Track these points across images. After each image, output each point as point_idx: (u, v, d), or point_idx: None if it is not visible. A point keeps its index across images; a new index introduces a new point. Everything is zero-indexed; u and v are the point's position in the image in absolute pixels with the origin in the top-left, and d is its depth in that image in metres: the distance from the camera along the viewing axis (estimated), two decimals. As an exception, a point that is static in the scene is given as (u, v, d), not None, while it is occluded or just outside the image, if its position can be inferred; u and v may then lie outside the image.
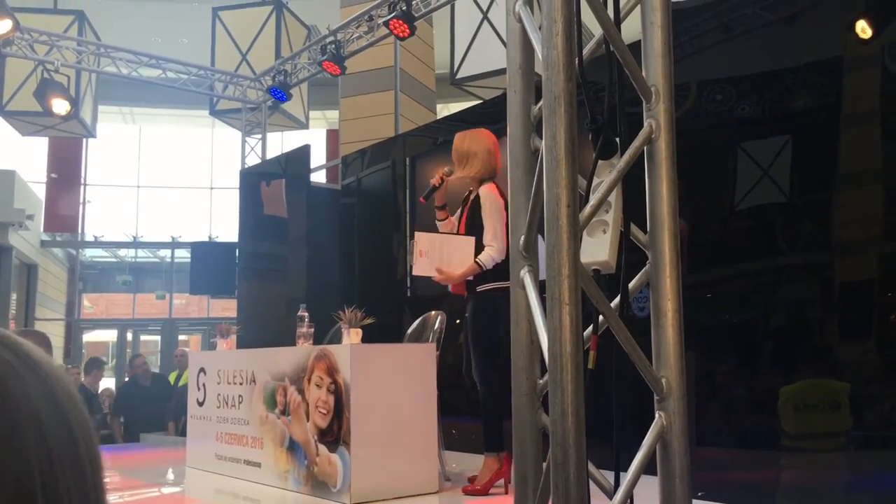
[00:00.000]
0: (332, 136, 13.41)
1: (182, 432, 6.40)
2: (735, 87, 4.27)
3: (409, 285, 6.70)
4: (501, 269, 3.65)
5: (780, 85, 4.04)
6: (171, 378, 8.72)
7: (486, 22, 7.41)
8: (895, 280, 3.52)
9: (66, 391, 0.47)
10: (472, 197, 3.82)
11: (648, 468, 1.59)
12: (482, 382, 3.70)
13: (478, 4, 7.56)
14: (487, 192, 3.73)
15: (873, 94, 3.69)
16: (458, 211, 3.96)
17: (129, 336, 16.14)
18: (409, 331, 4.91)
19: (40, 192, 14.92)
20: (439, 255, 3.70)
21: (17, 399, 0.43)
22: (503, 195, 3.68)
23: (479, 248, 3.69)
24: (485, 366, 3.71)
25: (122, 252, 16.93)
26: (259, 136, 8.99)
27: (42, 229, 14.48)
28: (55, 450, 0.43)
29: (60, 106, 7.57)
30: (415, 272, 3.83)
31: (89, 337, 16.78)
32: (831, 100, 3.82)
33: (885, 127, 3.59)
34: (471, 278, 3.73)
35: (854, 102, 3.75)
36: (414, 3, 6.55)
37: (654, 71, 1.60)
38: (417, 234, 3.82)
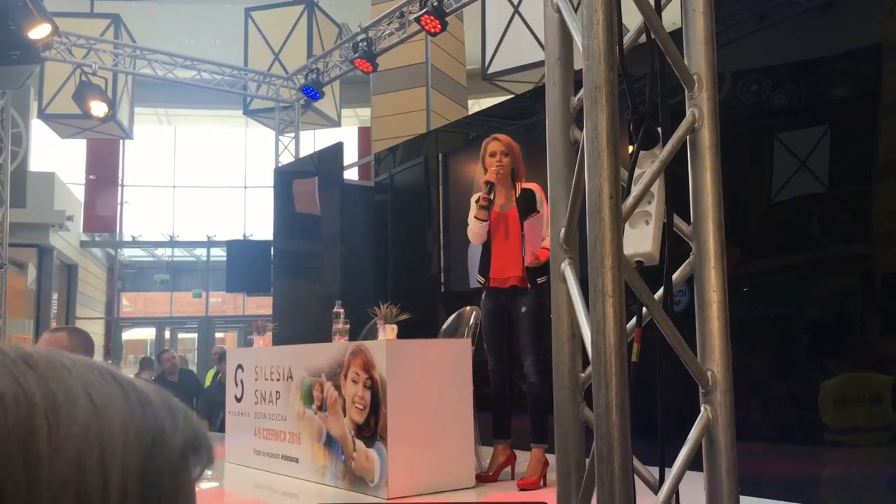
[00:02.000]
0: (365, 134, 13.46)
1: (220, 428, 6.48)
2: (771, 76, 4.20)
3: (442, 281, 6.70)
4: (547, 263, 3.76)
5: (817, 74, 3.97)
6: (209, 375, 8.84)
7: (517, 16, 7.37)
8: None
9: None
10: (517, 194, 3.92)
11: (692, 463, 1.57)
12: (541, 375, 3.72)
13: (509, -1, 7.52)
14: (539, 189, 3.88)
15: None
16: (487, 206, 3.91)
17: (167, 334, 16.40)
18: (444, 326, 4.92)
19: (79, 193, 15.21)
20: (530, 240, 3.79)
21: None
22: None
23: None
24: (544, 356, 3.72)
25: (160, 251, 17.20)
26: (292, 134, 9.06)
27: (82, 230, 14.77)
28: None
29: (99, 108, 7.70)
30: (528, 262, 3.81)
31: (128, 335, 17.09)
32: (870, 89, 3.74)
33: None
34: (532, 270, 3.80)
35: (893, 91, 3.66)
36: (445, -2, 6.54)
37: (697, 58, 1.57)
38: (525, 223, 3.86)
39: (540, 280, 3.77)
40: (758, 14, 4.29)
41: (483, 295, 4.00)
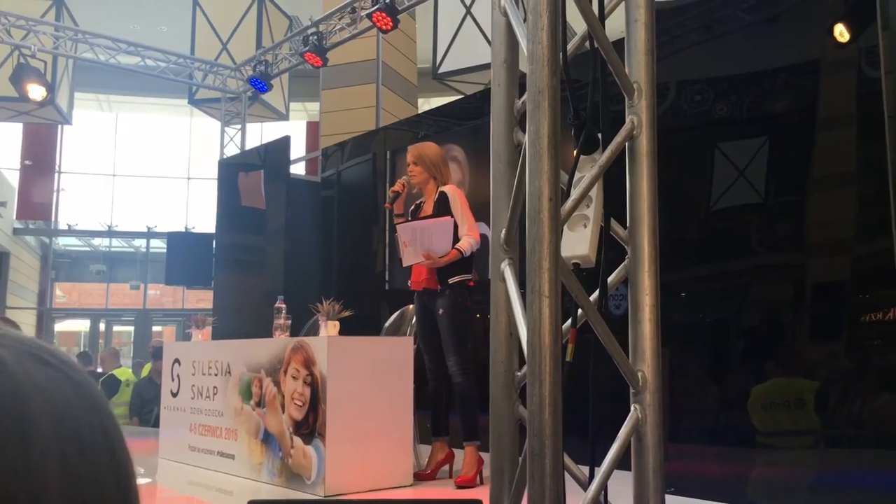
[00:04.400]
0: (313, 128, 13.35)
1: (154, 424, 6.35)
2: (714, 87, 4.31)
3: (387, 279, 6.69)
4: (467, 262, 3.90)
5: (759, 87, 4.09)
6: (145, 370, 8.63)
7: (469, 17, 7.41)
8: (866, 282, 3.58)
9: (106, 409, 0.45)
10: (435, 197, 4.00)
11: (622, 463, 1.61)
12: (466, 374, 3.79)
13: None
14: (453, 190, 4.00)
15: (850, 98, 3.75)
16: (411, 212, 4.10)
17: (102, 326, 15.96)
18: (387, 324, 4.91)
19: (13, 178, 14.69)
20: (421, 241, 3.83)
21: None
22: None
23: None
24: (465, 355, 3.83)
25: (97, 241, 16.72)
26: (238, 126, 8.92)
27: (15, 217, 14.27)
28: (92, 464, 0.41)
29: (36, 91, 7.46)
30: (404, 263, 3.93)
31: (61, 326, 16.57)
32: (808, 103, 3.87)
33: (860, 130, 3.64)
34: (442, 271, 3.87)
35: (831, 105, 3.79)
36: (397, -4, 6.53)
37: (637, 68, 1.61)
38: (399, 227, 3.94)
39: (453, 280, 3.86)
40: (703, 26, 4.41)
41: (415, 295, 4.12)
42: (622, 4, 1.63)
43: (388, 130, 7.30)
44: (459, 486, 3.69)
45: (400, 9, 6.50)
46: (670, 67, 4.32)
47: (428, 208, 4.04)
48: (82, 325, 16.57)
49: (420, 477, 3.91)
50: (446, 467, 4.03)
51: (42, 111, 9.97)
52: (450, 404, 4.05)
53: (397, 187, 4.01)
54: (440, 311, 3.88)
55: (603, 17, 1.58)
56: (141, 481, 4.83)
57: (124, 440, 0.46)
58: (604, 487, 1.52)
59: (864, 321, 3.52)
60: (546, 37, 1.39)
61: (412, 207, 4.15)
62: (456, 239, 3.84)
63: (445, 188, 4.01)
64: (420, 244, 3.85)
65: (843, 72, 3.76)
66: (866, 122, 3.54)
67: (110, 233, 16.08)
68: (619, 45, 1.65)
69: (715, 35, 4.37)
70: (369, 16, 6.48)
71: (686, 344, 4.18)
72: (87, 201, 16.00)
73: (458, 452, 4.01)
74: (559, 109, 1.40)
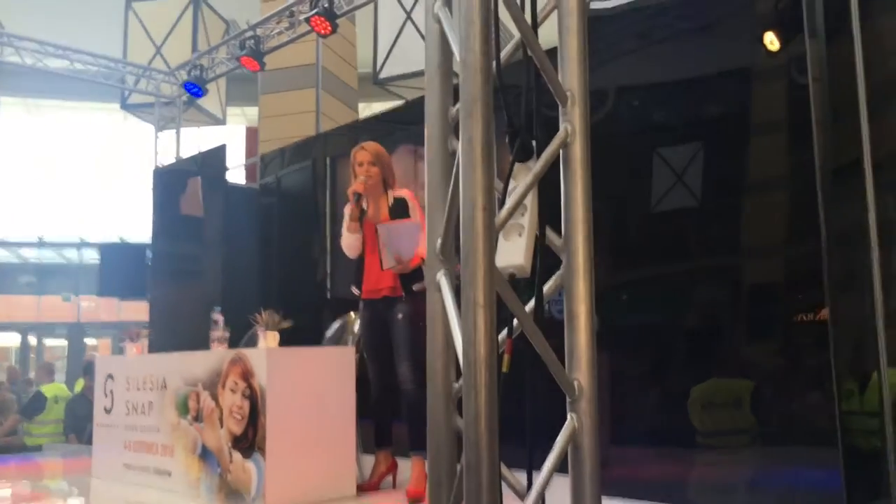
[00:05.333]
0: (252, 134, 13.13)
1: (87, 441, 6.14)
2: (651, 93, 4.38)
3: (328, 287, 6.61)
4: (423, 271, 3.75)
5: (694, 93, 4.17)
6: (78, 385, 8.35)
7: (409, 22, 7.39)
8: (799, 283, 3.67)
9: None
10: (389, 202, 3.86)
11: (561, 467, 1.60)
12: (417, 382, 3.64)
13: (401, 4, 7.54)
14: (412, 196, 3.88)
15: (781, 104, 3.85)
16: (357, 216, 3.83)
17: (33, 340, 15.38)
18: (329, 334, 4.85)
19: (-65, 187, 14.08)
20: (395, 244, 3.65)
21: None
22: None
23: None
24: (418, 364, 3.66)
25: (26, 252, 16.11)
26: (173, 130, 8.71)
27: (-63, 227, 13.67)
28: None
29: (-43, 96, 7.15)
30: (385, 266, 3.69)
31: (-11, 341, 15.94)
32: (742, 108, 3.96)
33: (790, 136, 3.74)
34: (406, 278, 3.74)
35: (763, 111, 3.89)
36: (336, 0, 6.47)
37: (570, 76, 1.61)
38: (379, 226, 3.71)
39: (416, 287, 3.72)
40: (639, 33, 4.47)
41: (360, 305, 3.96)
42: (555, 13, 1.63)
43: (329, 136, 7.22)
44: (412, 500, 3.57)
45: (339, 13, 6.45)
46: (609, 73, 4.37)
47: (380, 213, 3.85)
48: (13, 340, 15.94)
49: (364, 488, 3.83)
50: (390, 478, 3.98)
51: (-36, 117, 9.57)
52: (394, 414, 3.93)
53: (359, 187, 3.77)
54: (399, 316, 3.73)
55: (536, 25, 1.57)
56: (74, 502, 4.66)
57: None
58: (542, 497, 1.51)
59: (797, 321, 3.61)
60: (478, 44, 1.38)
61: (347, 211, 3.90)
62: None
63: (402, 193, 3.88)
64: (392, 247, 3.66)
65: (774, 79, 3.86)
66: (796, 127, 3.64)
67: (40, 244, 15.52)
68: (551, 54, 1.65)
69: (651, 42, 4.44)
70: (307, 20, 6.40)
71: (626, 346, 4.23)
72: (16, 211, 15.41)
73: (401, 462, 3.97)
74: (492, 118, 1.39)
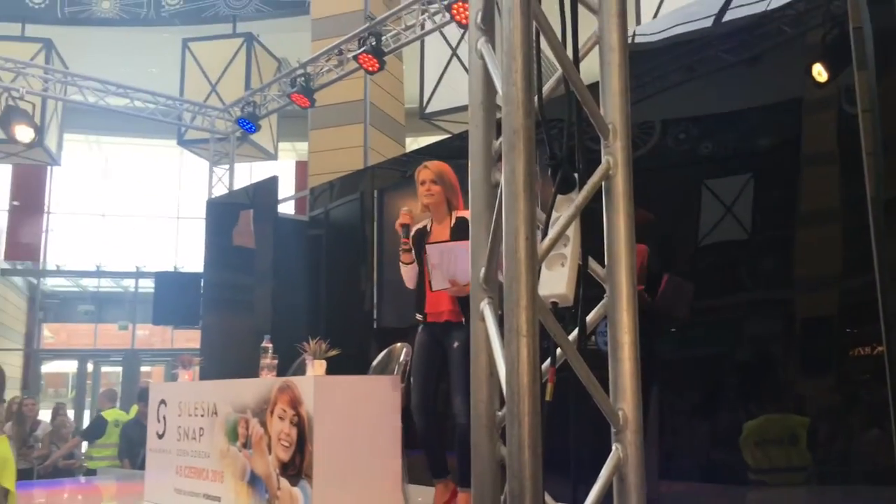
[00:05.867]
0: (301, 168, 13.42)
1: (141, 466, 6.26)
2: (698, 126, 4.37)
3: (375, 317, 6.67)
4: None
5: (742, 125, 4.14)
6: (132, 411, 8.54)
7: (454, 58, 7.52)
8: (853, 316, 3.59)
9: None
10: (451, 223, 3.76)
11: (606, 501, 1.60)
12: (468, 411, 3.58)
13: (447, 41, 7.68)
14: None
15: (831, 135, 3.80)
16: (414, 239, 3.79)
17: (90, 367, 15.79)
18: (375, 363, 4.88)
19: (1, 219, 14.66)
20: (447, 265, 3.54)
21: None
22: None
23: None
24: None
25: (85, 281, 16.62)
26: (227, 166, 8.96)
27: (2, 257, 14.20)
28: None
29: (24, 133, 7.49)
30: (434, 287, 3.60)
31: (48, 368, 16.38)
32: (791, 140, 3.92)
33: (842, 167, 3.69)
34: (464, 302, 3.53)
35: (813, 143, 3.85)
36: (384, 38, 6.62)
37: (612, 109, 1.64)
38: (428, 247, 3.63)
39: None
40: (685, 66, 4.48)
41: (419, 329, 3.86)
42: (596, 48, 1.67)
43: (376, 169, 7.34)
44: None
45: (386, 51, 6.60)
46: (655, 107, 4.38)
47: (441, 234, 3.76)
48: (70, 367, 16.38)
49: None
50: None
51: (30, 152, 10.00)
52: (445, 442, 3.83)
53: (406, 219, 3.72)
54: (455, 345, 3.61)
55: (577, 60, 1.61)
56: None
57: None
58: (586, 528, 1.51)
59: (853, 355, 3.53)
60: (520, 79, 1.42)
61: (413, 234, 3.83)
62: None
63: (465, 213, 3.68)
64: (446, 269, 3.53)
65: (824, 110, 3.82)
66: (847, 158, 3.59)
67: (98, 273, 16.00)
68: (593, 87, 1.68)
69: (698, 75, 4.44)
70: (356, 58, 6.56)
71: (676, 380, 4.17)
72: (76, 242, 15.94)
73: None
74: (534, 150, 1.42)
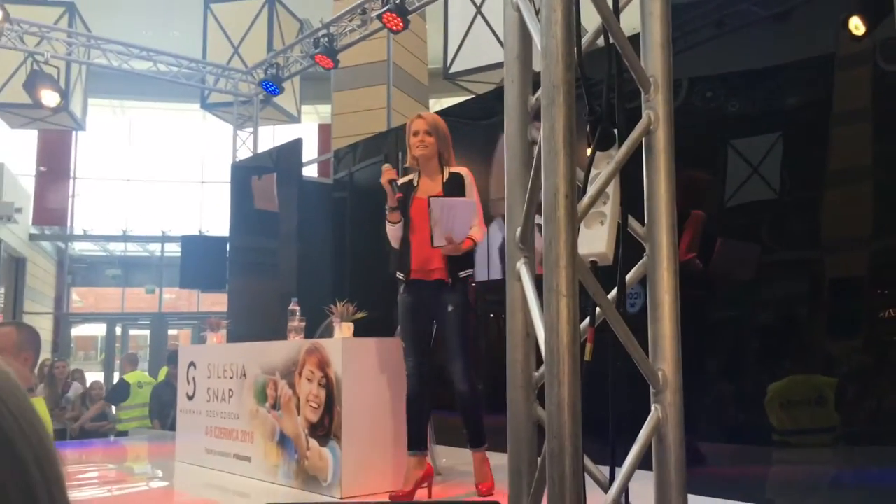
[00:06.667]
0: (325, 131, 13.37)
1: (171, 427, 6.38)
2: (726, 83, 4.28)
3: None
4: (471, 257, 3.57)
5: (771, 82, 4.05)
6: (161, 373, 8.68)
7: (479, 16, 7.39)
8: (883, 277, 3.53)
9: (12, 414, 0.47)
10: (444, 178, 3.59)
11: (642, 462, 1.59)
12: (468, 378, 3.43)
13: (471, -1, 7.54)
14: (469, 174, 3.59)
15: (865, 92, 3.70)
16: (401, 190, 3.59)
17: (119, 330, 16.05)
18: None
19: (29, 185, 14.81)
20: (446, 221, 3.36)
21: None
22: None
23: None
24: (471, 359, 3.48)
25: (112, 246, 16.83)
26: (251, 129, 8.95)
27: (31, 222, 14.38)
28: None
29: (50, 98, 7.51)
30: (435, 244, 3.41)
31: (78, 331, 16.69)
32: (822, 97, 3.83)
33: (875, 124, 3.59)
34: (454, 262, 3.48)
35: (845, 100, 3.75)
36: (407, -4, 6.52)
37: (653, 61, 1.59)
38: (432, 200, 3.41)
39: (462, 274, 3.48)
40: (714, 22, 4.36)
41: (401, 288, 3.64)
42: (637, -1, 1.62)
43: (400, 131, 7.27)
44: (485, 494, 3.41)
45: (410, 9, 6.50)
46: (682, 64, 4.26)
47: (432, 189, 3.57)
48: (99, 330, 16.67)
49: (397, 496, 3.49)
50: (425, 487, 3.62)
51: (56, 117, 10.04)
52: (430, 414, 3.68)
53: (392, 175, 3.52)
54: (449, 308, 3.45)
55: (618, 10, 1.56)
56: (158, 485, 4.85)
57: (46, 447, 0.49)
58: (625, 489, 1.50)
59: (883, 317, 3.48)
60: (560, 31, 1.37)
61: (401, 184, 3.62)
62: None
63: (460, 170, 3.59)
64: (444, 225, 3.35)
65: (859, 65, 3.71)
66: (882, 116, 3.50)
67: (125, 237, 16.17)
68: (633, 40, 1.63)
69: (727, 31, 4.33)
70: (379, 17, 6.47)
71: (701, 342, 4.14)
72: (102, 206, 16.10)
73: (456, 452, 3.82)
74: (574, 105, 1.38)
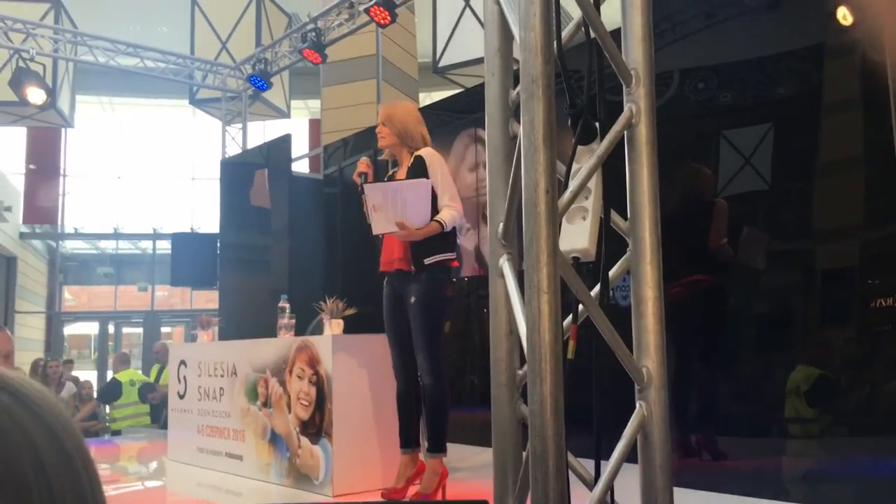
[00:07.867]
0: (315, 126, 13.31)
1: (164, 425, 6.35)
2: (717, 74, 4.26)
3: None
4: (446, 240, 3.39)
5: (762, 73, 4.03)
6: (153, 372, 8.64)
7: (468, 9, 7.35)
8: (874, 268, 3.53)
9: (60, 421, 0.51)
10: (409, 163, 3.49)
11: (628, 456, 1.57)
12: (434, 373, 3.32)
13: (460, -8, 7.50)
14: (432, 153, 3.46)
15: (854, 82, 3.69)
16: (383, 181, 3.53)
17: (111, 328, 15.99)
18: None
19: (19, 183, 14.72)
20: (394, 206, 3.25)
21: (12, 433, 0.47)
22: None
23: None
24: (438, 353, 3.34)
25: (103, 244, 16.75)
26: (240, 125, 8.90)
27: (21, 221, 14.30)
28: (54, 477, 0.47)
29: (36, 95, 7.45)
30: (375, 231, 3.35)
31: (70, 330, 16.62)
32: (812, 88, 3.81)
33: (865, 115, 3.59)
34: (417, 249, 3.35)
35: (835, 90, 3.74)
36: (395, -10, 6.48)
37: (635, 54, 1.56)
38: (367, 188, 3.34)
39: (429, 261, 3.34)
40: (704, 12, 4.35)
41: (384, 283, 3.60)
42: (617, -10, 1.59)
43: (390, 126, 7.24)
44: (420, 500, 3.31)
45: (398, 3, 6.46)
46: (672, 55, 4.26)
47: (401, 176, 3.50)
48: (92, 328, 16.61)
49: (388, 495, 3.43)
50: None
51: (44, 115, 9.97)
52: (419, 410, 3.53)
53: (362, 168, 3.49)
54: (412, 299, 3.33)
55: (598, 2, 1.53)
56: (150, 484, 4.83)
57: (89, 457, 0.52)
58: (610, 487, 1.48)
59: (874, 307, 3.48)
60: (539, 24, 1.35)
61: (385, 179, 3.61)
62: (435, 210, 3.33)
63: (422, 151, 3.45)
64: (393, 210, 3.25)
65: (847, 56, 3.70)
66: (871, 106, 3.49)
67: (116, 235, 16.10)
68: (615, 34, 1.61)
69: (717, 21, 4.31)
70: (367, 10, 6.43)
71: (693, 335, 4.14)
72: (93, 204, 16.02)
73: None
74: (553, 98, 1.36)
